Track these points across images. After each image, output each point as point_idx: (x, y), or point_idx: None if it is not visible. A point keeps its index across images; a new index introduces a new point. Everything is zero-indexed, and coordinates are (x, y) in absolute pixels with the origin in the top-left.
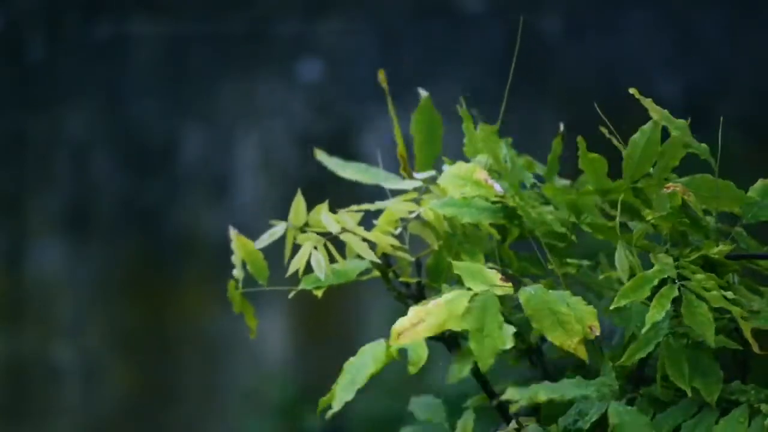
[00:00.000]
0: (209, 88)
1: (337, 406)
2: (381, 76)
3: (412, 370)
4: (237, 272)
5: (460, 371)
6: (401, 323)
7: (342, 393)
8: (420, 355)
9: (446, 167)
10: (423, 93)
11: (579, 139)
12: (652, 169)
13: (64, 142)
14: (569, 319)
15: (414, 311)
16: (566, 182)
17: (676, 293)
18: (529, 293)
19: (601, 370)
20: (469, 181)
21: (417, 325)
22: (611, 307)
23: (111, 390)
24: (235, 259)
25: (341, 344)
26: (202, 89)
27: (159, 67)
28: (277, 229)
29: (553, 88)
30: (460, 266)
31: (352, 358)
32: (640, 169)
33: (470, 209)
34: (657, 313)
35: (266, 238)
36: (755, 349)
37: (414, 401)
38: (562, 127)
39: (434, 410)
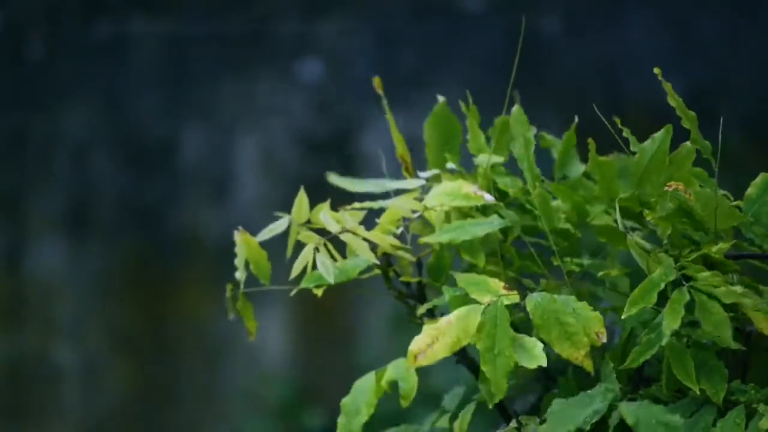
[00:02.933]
0: (209, 88)
1: None
2: (377, 82)
3: (404, 403)
4: (240, 274)
5: (496, 392)
6: (417, 344)
7: None
8: (410, 385)
9: (450, 165)
10: (440, 98)
11: (590, 140)
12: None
13: (64, 142)
14: (577, 330)
15: (426, 331)
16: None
17: (687, 297)
18: (536, 301)
19: (602, 372)
20: (457, 197)
21: (432, 345)
22: (623, 317)
23: (111, 390)
24: (239, 260)
25: (341, 344)
26: (202, 89)
27: (159, 67)
28: (280, 223)
29: (553, 87)
30: (463, 278)
31: (345, 399)
32: (647, 177)
33: (464, 229)
34: (673, 320)
35: (268, 232)
36: None
37: (446, 396)
38: (576, 119)
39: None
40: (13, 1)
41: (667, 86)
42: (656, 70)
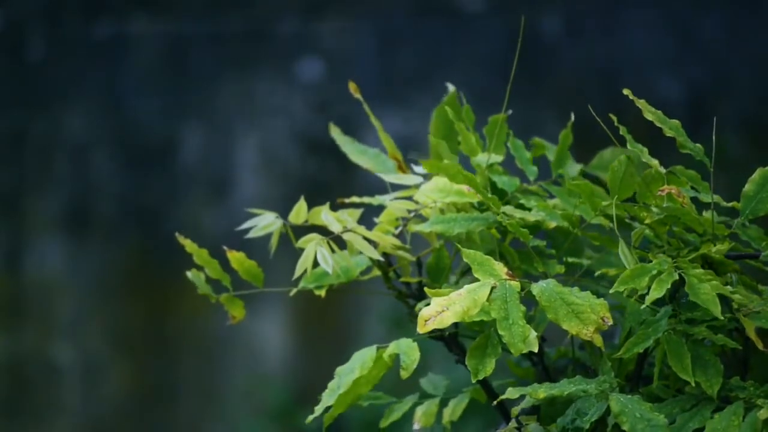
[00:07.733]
0: (209, 88)
1: (318, 411)
2: (353, 87)
3: (404, 374)
4: (210, 272)
5: (481, 369)
6: (428, 311)
7: (325, 398)
8: (412, 359)
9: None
10: (450, 87)
11: (561, 171)
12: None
13: (64, 142)
14: (584, 309)
15: (436, 301)
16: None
17: (675, 277)
18: (542, 287)
19: (600, 369)
20: (449, 193)
21: (442, 313)
22: (611, 291)
23: (111, 390)
24: (197, 259)
25: (339, 345)
26: (202, 89)
27: (159, 67)
28: (268, 221)
29: (553, 87)
30: (469, 254)
31: (341, 366)
32: (622, 195)
33: (459, 222)
34: (657, 292)
35: (258, 230)
36: (759, 346)
37: (423, 380)
38: (572, 117)
39: (440, 388)
40: (13, 1)
41: (641, 103)
42: (626, 91)
